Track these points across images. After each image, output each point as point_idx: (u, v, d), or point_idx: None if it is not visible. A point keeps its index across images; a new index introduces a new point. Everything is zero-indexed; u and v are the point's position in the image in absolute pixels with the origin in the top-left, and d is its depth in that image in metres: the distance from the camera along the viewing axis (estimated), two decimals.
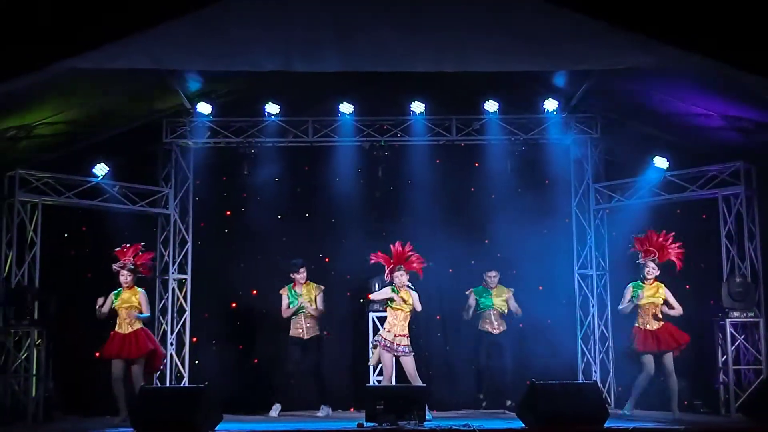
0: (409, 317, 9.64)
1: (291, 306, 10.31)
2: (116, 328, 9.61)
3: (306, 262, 10.51)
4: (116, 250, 9.81)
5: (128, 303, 9.64)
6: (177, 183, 11.37)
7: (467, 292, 10.78)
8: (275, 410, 10.26)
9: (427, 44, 8.81)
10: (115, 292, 9.70)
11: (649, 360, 9.44)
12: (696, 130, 10.36)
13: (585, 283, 11.45)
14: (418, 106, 11.07)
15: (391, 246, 9.77)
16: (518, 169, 11.33)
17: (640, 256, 9.66)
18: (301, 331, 10.32)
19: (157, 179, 11.41)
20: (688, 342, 9.53)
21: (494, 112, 11.13)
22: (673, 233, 9.66)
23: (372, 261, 9.82)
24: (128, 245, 9.84)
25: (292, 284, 10.44)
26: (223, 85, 11.01)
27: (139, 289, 9.78)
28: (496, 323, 10.59)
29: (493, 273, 10.71)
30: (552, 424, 7.75)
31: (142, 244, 9.96)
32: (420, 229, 11.33)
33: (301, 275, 10.41)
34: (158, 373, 10.47)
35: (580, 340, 11.34)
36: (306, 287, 10.42)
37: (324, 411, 10.29)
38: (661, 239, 9.60)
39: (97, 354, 9.74)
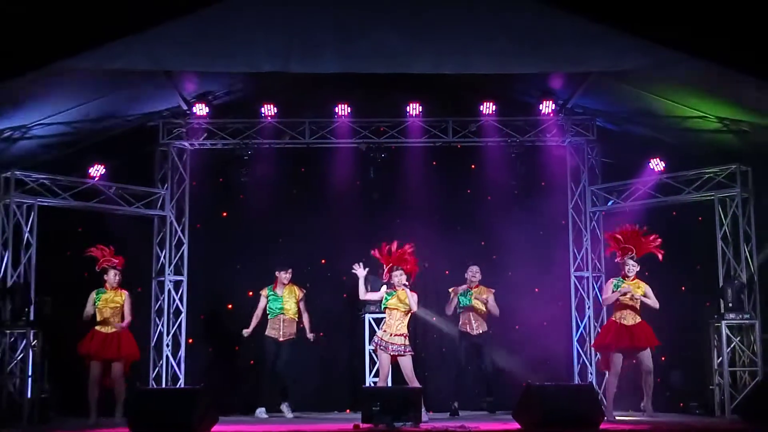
0: (407, 317, 9.59)
1: (270, 315, 10.28)
2: (97, 327, 9.53)
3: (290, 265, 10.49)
4: (92, 250, 9.73)
5: (113, 303, 9.58)
6: (173, 184, 11.37)
7: (450, 290, 10.62)
8: (262, 412, 10.23)
9: (427, 46, 8.82)
10: (98, 291, 9.64)
11: (617, 359, 9.35)
12: (692, 132, 10.39)
13: (581, 285, 11.47)
14: (414, 108, 11.09)
15: (392, 245, 9.69)
16: (514, 171, 11.34)
17: (616, 255, 9.61)
18: (276, 332, 10.29)
19: (154, 181, 11.41)
20: (658, 345, 9.48)
21: (491, 113, 11.15)
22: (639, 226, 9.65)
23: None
24: (103, 246, 9.75)
25: (272, 285, 10.41)
26: (220, 86, 11.01)
27: (124, 291, 9.72)
28: (474, 324, 10.43)
29: (474, 268, 10.52)
30: (548, 425, 7.75)
31: (113, 247, 9.84)
32: (416, 231, 11.30)
33: (287, 275, 10.38)
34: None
35: (576, 342, 11.36)
36: (288, 289, 10.40)
37: (287, 409, 10.26)
38: (636, 233, 9.51)
39: (82, 350, 9.52)
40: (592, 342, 10.66)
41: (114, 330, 9.51)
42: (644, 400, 9.45)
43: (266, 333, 10.36)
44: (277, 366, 10.29)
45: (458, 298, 10.48)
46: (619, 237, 9.59)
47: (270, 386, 10.38)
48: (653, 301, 9.43)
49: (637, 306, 9.44)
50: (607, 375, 9.61)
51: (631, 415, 9.83)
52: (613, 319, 9.51)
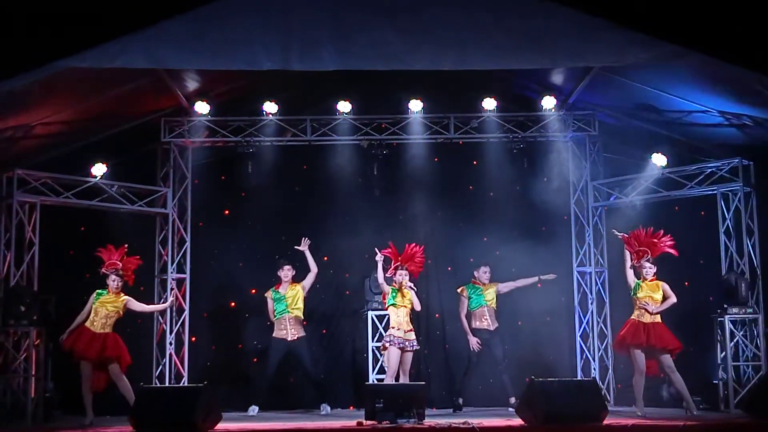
0: (410, 313, 9.69)
1: (276, 316, 10.25)
2: (88, 324, 9.28)
3: (289, 261, 10.45)
4: (101, 250, 9.61)
5: (112, 307, 9.36)
6: (175, 182, 11.36)
7: (459, 290, 10.65)
8: (253, 411, 10.12)
9: (426, 43, 8.82)
10: (99, 292, 9.40)
11: (639, 356, 9.21)
12: (694, 126, 10.39)
13: (584, 281, 11.46)
14: (416, 105, 11.07)
15: (407, 245, 9.76)
16: (516, 167, 11.33)
17: (632, 258, 9.46)
18: (284, 332, 10.24)
19: (156, 179, 11.40)
20: (680, 349, 9.28)
21: (492, 110, 11.13)
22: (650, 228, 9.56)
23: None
24: (113, 246, 9.64)
25: (275, 286, 10.39)
26: (221, 84, 11.01)
27: (125, 296, 9.52)
28: (490, 320, 10.44)
29: (484, 269, 10.56)
30: (551, 421, 7.76)
31: (127, 246, 9.75)
32: (419, 228, 11.39)
33: (285, 273, 10.33)
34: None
35: (579, 338, 11.35)
36: (291, 287, 10.36)
37: (324, 409, 10.27)
38: (649, 236, 9.42)
39: (66, 344, 9.27)
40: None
41: (103, 331, 9.27)
42: (684, 401, 9.33)
43: (273, 335, 10.29)
44: (308, 370, 10.29)
45: (470, 299, 10.44)
46: (634, 241, 9.44)
47: (277, 385, 10.34)
48: (670, 302, 9.31)
49: (654, 306, 9.28)
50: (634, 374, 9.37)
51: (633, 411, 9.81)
52: (633, 318, 9.34)
